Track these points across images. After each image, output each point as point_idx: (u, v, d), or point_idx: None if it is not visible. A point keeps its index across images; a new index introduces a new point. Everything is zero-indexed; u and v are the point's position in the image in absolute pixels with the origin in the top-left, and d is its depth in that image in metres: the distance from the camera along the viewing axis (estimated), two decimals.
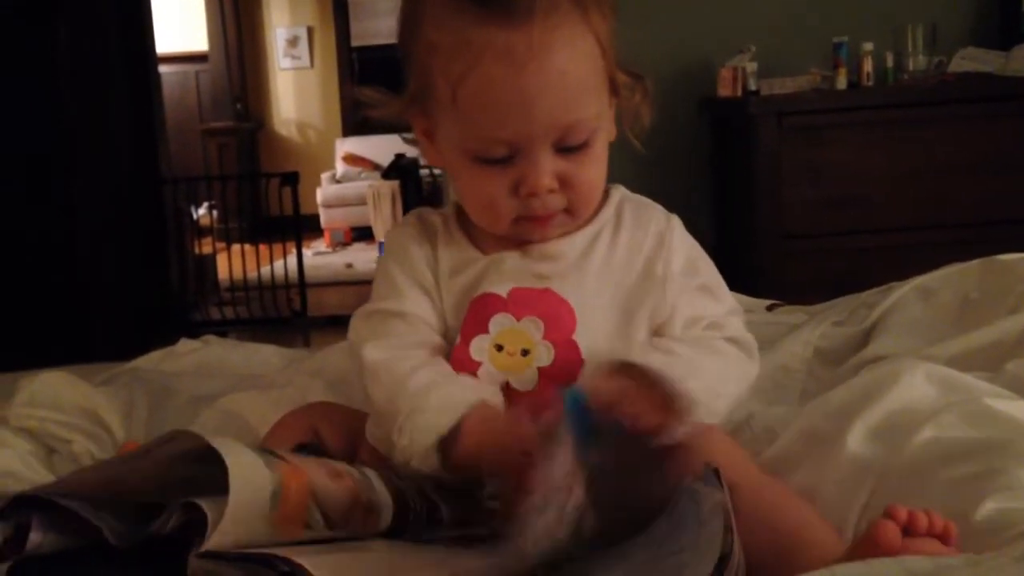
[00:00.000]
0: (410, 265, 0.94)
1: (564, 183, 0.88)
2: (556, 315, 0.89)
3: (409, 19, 0.90)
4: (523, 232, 0.91)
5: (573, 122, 0.85)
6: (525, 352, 0.89)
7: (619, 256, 0.93)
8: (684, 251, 0.95)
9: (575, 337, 0.89)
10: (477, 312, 0.91)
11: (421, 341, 0.92)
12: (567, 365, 0.89)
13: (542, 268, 0.91)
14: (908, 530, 0.69)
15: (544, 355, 0.89)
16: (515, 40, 0.81)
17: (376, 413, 0.89)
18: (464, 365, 0.89)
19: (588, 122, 0.87)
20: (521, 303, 0.90)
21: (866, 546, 0.69)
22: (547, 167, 0.86)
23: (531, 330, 0.89)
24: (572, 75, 0.84)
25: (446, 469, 0.82)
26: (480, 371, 0.89)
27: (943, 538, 0.69)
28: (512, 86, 0.82)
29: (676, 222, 0.97)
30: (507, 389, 0.89)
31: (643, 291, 0.92)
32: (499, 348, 0.89)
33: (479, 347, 0.90)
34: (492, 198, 0.89)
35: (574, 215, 0.91)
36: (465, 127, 0.86)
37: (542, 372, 0.89)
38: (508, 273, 0.91)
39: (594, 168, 0.90)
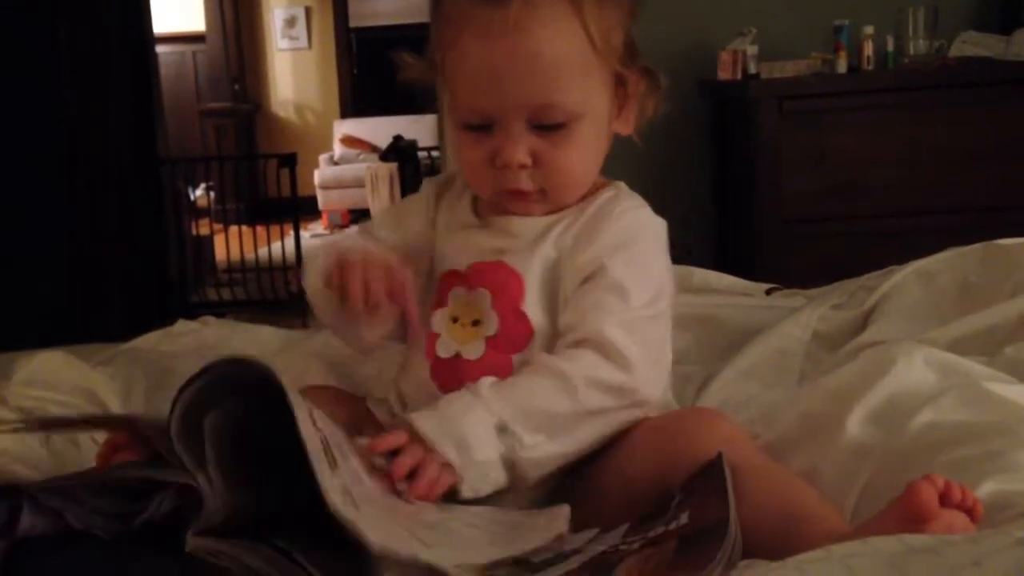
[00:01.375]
0: (407, 205, 1.06)
1: (538, 162, 0.91)
2: (504, 285, 0.93)
3: None
4: (505, 204, 0.96)
5: (546, 102, 0.89)
6: (476, 322, 0.94)
7: (570, 236, 0.95)
8: (608, 242, 0.93)
9: (524, 308, 0.93)
10: (441, 287, 0.97)
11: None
12: (513, 335, 0.93)
13: (500, 243, 0.96)
14: (942, 500, 0.68)
15: (491, 324, 0.93)
16: (493, 17, 0.87)
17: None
18: (429, 335, 0.96)
19: (566, 105, 0.89)
20: (475, 276, 0.95)
21: (901, 507, 0.69)
22: (520, 141, 0.90)
23: (481, 301, 0.94)
24: (547, 57, 0.87)
25: (319, 297, 0.92)
26: (438, 342, 0.95)
27: (971, 514, 0.69)
28: (484, 60, 0.88)
29: (631, 216, 0.96)
30: (458, 359, 0.93)
31: (558, 268, 0.95)
32: (455, 320, 0.95)
33: (438, 320, 0.96)
34: (474, 165, 0.94)
35: (548, 198, 0.94)
36: (452, 95, 0.93)
37: (489, 341, 0.93)
38: (471, 249, 0.97)
39: (572, 153, 0.92)
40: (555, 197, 0.95)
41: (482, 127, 0.91)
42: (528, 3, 0.86)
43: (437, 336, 0.95)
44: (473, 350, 0.93)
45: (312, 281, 0.93)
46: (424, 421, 0.83)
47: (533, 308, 0.93)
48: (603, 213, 0.96)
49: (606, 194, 0.99)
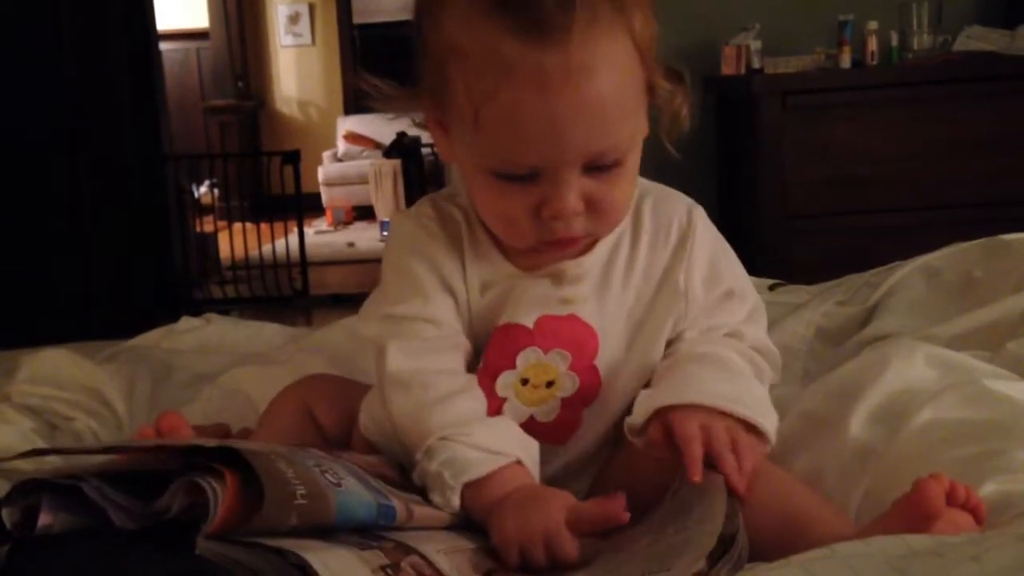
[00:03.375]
0: (436, 267, 0.88)
1: (590, 205, 0.81)
2: (581, 343, 0.87)
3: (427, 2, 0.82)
4: (545, 252, 0.86)
5: (608, 147, 0.79)
6: (549, 383, 0.88)
7: (639, 264, 0.89)
8: (706, 256, 0.90)
9: (596, 362, 0.88)
10: (503, 344, 0.87)
11: (453, 345, 0.87)
12: (587, 392, 0.88)
13: (567, 292, 0.87)
14: (947, 499, 0.69)
15: (569, 385, 0.88)
16: (549, 61, 0.73)
17: (394, 420, 0.83)
18: (488, 400, 0.86)
19: (623, 143, 0.80)
20: (548, 334, 0.87)
21: (908, 504, 0.69)
22: (574, 189, 0.79)
23: (557, 362, 0.87)
24: (610, 98, 0.77)
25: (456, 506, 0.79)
26: (505, 407, 0.87)
27: (975, 515, 0.70)
28: (542, 112, 0.75)
29: (698, 218, 0.91)
30: (530, 420, 0.88)
31: (663, 305, 0.89)
32: (524, 382, 0.87)
33: (505, 383, 0.87)
34: (512, 217, 0.82)
35: (593, 236, 0.87)
36: (486, 145, 0.79)
37: (564, 401, 0.88)
38: (535, 300, 0.87)
39: (623, 186, 0.83)
40: (601, 234, 0.87)
41: (524, 177, 0.79)
42: (586, 36, 0.74)
43: (504, 400, 0.87)
44: (548, 412, 0.88)
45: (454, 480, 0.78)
46: (719, 399, 0.80)
47: (603, 360, 0.88)
48: (662, 218, 0.90)
49: (646, 196, 0.91)
